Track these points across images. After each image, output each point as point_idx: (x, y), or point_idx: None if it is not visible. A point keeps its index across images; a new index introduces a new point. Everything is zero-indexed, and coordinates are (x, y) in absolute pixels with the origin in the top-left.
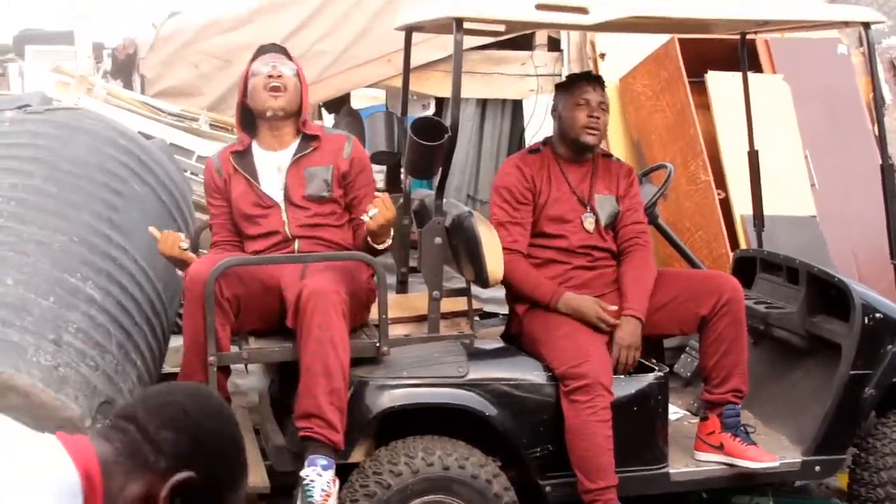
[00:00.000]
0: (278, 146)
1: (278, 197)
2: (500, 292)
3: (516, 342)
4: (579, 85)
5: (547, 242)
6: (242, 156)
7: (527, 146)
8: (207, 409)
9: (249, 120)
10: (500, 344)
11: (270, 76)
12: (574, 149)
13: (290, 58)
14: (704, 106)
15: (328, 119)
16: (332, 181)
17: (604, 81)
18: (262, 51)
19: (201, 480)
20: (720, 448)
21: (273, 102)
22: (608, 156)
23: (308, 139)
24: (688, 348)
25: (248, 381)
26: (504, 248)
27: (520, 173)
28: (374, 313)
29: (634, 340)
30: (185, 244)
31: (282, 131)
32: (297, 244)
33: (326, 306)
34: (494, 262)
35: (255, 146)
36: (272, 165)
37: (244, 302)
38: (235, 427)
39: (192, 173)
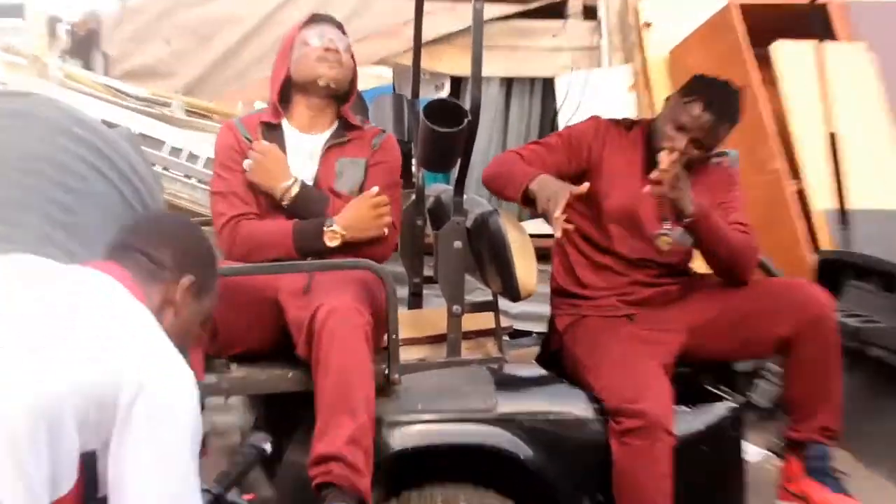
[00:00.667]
0: (313, 129)
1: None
2: (534, 306)
3: (556, 367)
4: (695, 106)
5: (608, 245)
6: (272, 130)
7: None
8: (185, 226)
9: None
10: (535, 369)
11: (328, 49)
12: (653, 149)
13: (345, 32)
14: (771, 82)
15: None
16: (366, 177)
17: (732, 112)
18: (314, 19)
19: (198, 281)
20: (803, 499)
21: (328, 71)
22: (718, 162)
23: (345, 127)
24: (766, 372)
25: (228, 418)
26: (506, 154)
27: (594, 132)
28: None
29: (683, 193)
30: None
31: (322, 112)
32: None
33: (348, 329)
34: (527, 271)
35: (286, 124)
36: (305, 149)
37: (226, 318)
38: (205, 237)
39: (163, 168)
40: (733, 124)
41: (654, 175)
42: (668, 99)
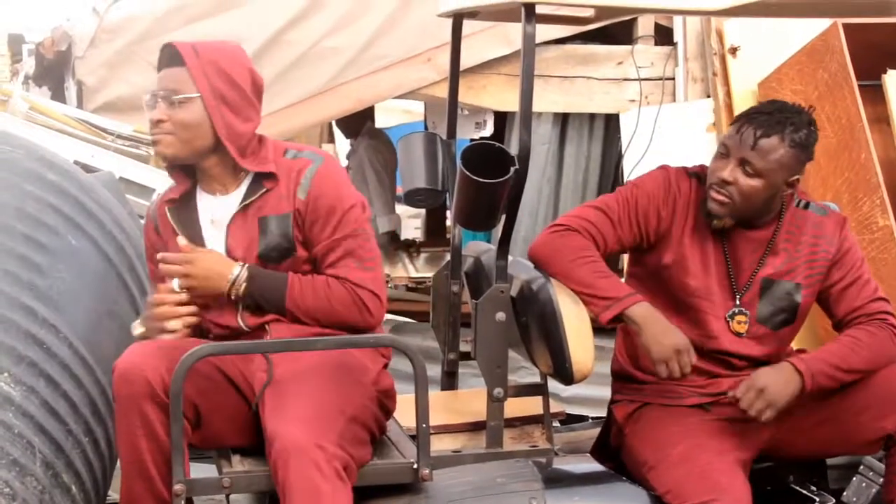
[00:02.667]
0: (221, 189)
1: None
2: (590, 389)
3: (614, 460)
4: (737, 124)
5: (675, 322)
6: (181, 205)
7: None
8: None
9: None
10: (590, 464)
11: (151, 121)
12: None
13: (182, 61)
14: (882, 120)
15: (343, 144)
16: (293, 231)
17: (790, 128)
18: (158, 61)
19: None
20: None
21: (157, 150)
22: (808, 206)
23: (260, 177)
24: (862, 468)
25: None
26: (560, 224)
27: (666, 191)
28: (410, 419)
29: (776, 392)
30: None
31: (213, 172)
32: (268, 328)
33: (309, 472)
34: (582, 348)
35: (198, 190)
36: (217, 210)
37: (207, 404)
38: None
39: None
40: (799, 145)
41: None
42: None
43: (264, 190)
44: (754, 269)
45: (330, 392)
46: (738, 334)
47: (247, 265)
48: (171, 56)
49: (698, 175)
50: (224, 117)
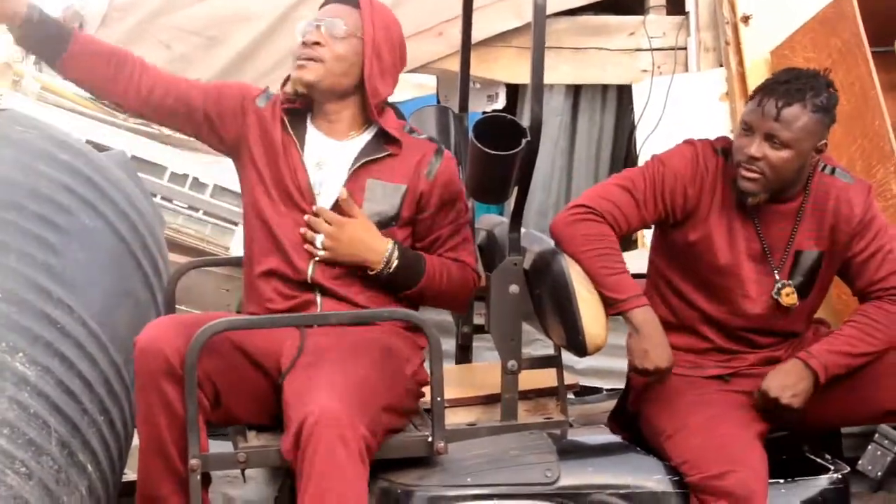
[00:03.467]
0: (337, 134)
1: (320, 199)
2: (604, 360)
3: (630, 430)
4: (756, 98)
5: (703, 308)
6: (295, 120)
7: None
8: None
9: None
10: (605, 435)
11: (305, 44)
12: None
13: (357, 3)
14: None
15: None
16: (402, 208)
17: (811, 93)
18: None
19: None
20: None
21: (297, 73)
22: (833, 172)
23: (383, 137)
24: (877, 436)
25: (246, 491)
26: (582, 206)
27: (694, 169)
28: (425, 391)
29: (790, 395)
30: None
31: (340, 116)
32: (318, 300)
33: (335, 447)
34: (595, 320)
35: (310, 126)
36: (330, 159)
37: (228, 384)
38: None
39: (163, 198)
40: (821, 109)
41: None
42: None
43: (387, 153)
44: (787, 241)
45: (372, 376)
46: (788, 308)
47: (396, 242)
48: None
49: (725, 151)
50: (373, 68)
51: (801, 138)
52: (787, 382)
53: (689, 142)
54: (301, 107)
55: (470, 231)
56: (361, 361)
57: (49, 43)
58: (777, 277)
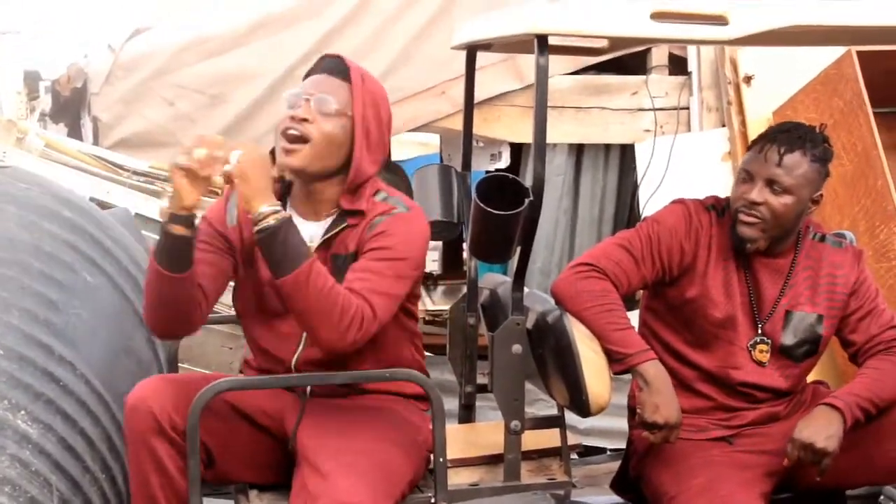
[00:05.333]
0: (314, 215)
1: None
2: (608, 420)
3: (634, 491)
4: (757, 146)
5: (701, 364)
6: None
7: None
8: None
9: None
10: (607, 497)
11: (293, 118)
12: (735, 237)
13: (348, 77)
14: None
15: None
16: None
17: (809, 144)
18: (315, 67)
19: None
20: None
21: (284, 159)
22: (823, 239)
23: (346, 214)
24: (882, 498)
25: None
26: (584, 264)
27: (687, 225)
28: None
29: (824, 438)
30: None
31: (320, 196)
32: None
33: None
34: (598, 380)
35: (289, 206)
36: (306, 236)
37: (220, 442)
38: None
39: None
40: (819, 160)
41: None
42: None
43: (345, 225)
44: (776, 298)
45: (395, 455)
46: (760, 363)
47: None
48: (335, 67)
49: (715, 207)
50: (362, 149)
51: (801, 185)
52: (818, 427)
53: (678, 201)
54: (276, 192)
55: (395, 280)
56: (379, 434)
57: (183, 253)
58: (759, 331)
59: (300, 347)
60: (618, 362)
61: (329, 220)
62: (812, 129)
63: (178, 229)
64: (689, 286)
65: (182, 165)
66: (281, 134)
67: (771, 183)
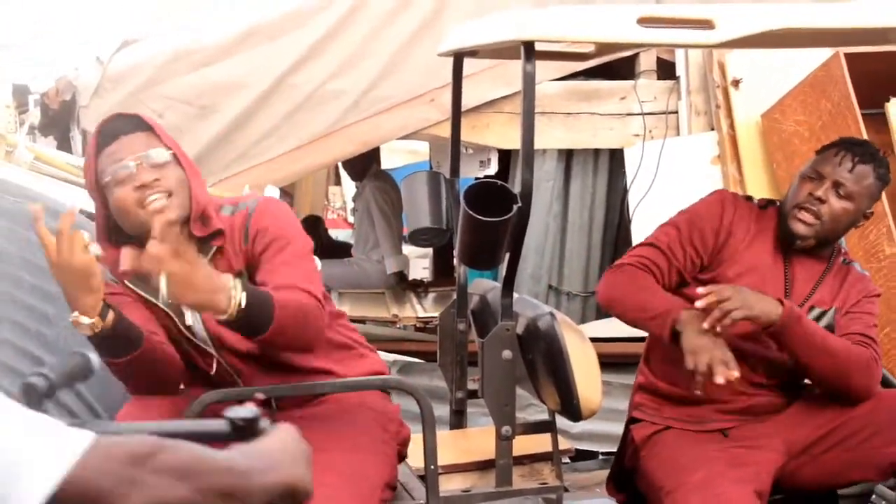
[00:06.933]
0: None
1: (206, 340)
2: (599, 425)
3: (629, 490)
4: (832, 151)
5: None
6: (141, 277)
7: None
8: None
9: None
10: (602, 499)
11: (141, 186)
12: (785, 231)
13: (146, 125)
14: (887, 147)
15: (349, 187)
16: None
17: (877, 162)
18: (103, 137)
19: None
20: None
21: (164, 217)
22: (849, 263)
23: (207, 239)
24: (874, 497)
25: None
26: (618, 264)
27: (720, 210)
28: (418, 459)
29: (751, 296)
30: (94, 248)
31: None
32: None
33: None
34: (589, 384)
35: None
36: None
37: None
38: None
39: None
40: (881, 179)
41: (700, 304)
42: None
43: (214, 249)
44: (807, 295)
45: (362, 461)
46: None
47: (233, 277)
48: (127, 124)
49: (760, 203)
50: (194, 176)
51: (862, 195)
52: (755, 292)
53: (718, 190)
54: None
55: (294, 255)
56: (350, 444)
57: (127, 333)
58: None
59: (215, 357)
60: (662, 325)
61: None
62: (879, 150)
63: (107, 322)
64: (730, 266)
65: (97, 255)
66: (139, 206)
67: (838, 185)
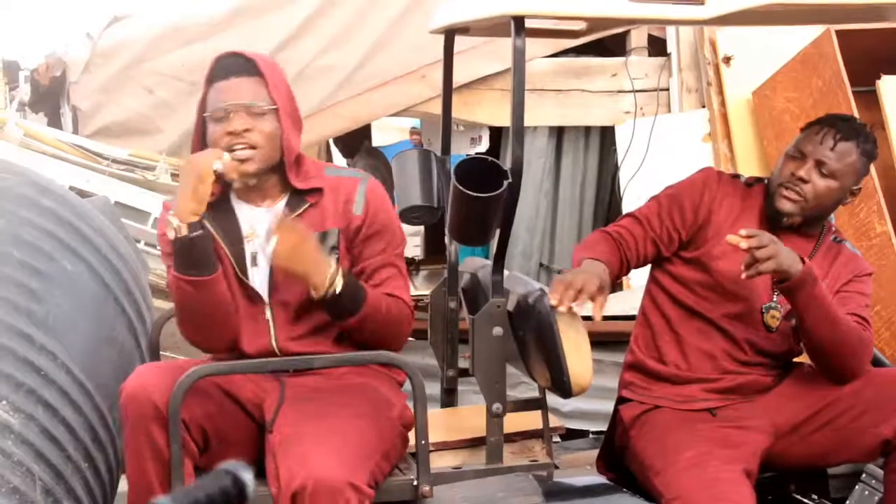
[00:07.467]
0: (262, 200)
1: (263, 289)
2: (590, 403)
3: (619, 469)
4: (814, 129)
5: (707, 315)
6: (216, 208)
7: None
8: None
9: None
10: (591, 477)
11: (231, 133)
12: (772, 209)
13: (259, 71)
14: (878, 125)
15: (340, 164)
16: (340, 245)
17: (861, 137)
18: (218, 71)
19: None
20: None
21: (241, 168)
22: (840, 241)
23: (300, 193)
24: (864, 476)
25: None
26: (595, 233)
27: (702, 187)
28: (410, 436)
29: (783, 250)
30: (225, 158)
31: (265, 184)
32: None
33: None
34: (580, 361)
35: (233, 199)
36: (257, 222)
37: (216, 428)
38: None
39: (147, 243)
40: (867, 154)
41: (731, 239)
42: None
43: (307, 205)
44: None
45: (366, 428)
46: (769, 329)
47: (339, 263)
48: (244, 66)
49: (747, 180)
50: (289, 129)
51: (846, 173)
52: (785, 247)
53: (705, 168)
54: (220, 192)
55: (402, 264)
56: (353, 412)
57: (209, 251)
58: (773, 298)
59: (272, 329)
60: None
61: (282, 203)
62: (865, 125)
63: (198, 231)
64: (714, 243)
65: (218, 170)
66: (226, 150)
67: (820, 164)
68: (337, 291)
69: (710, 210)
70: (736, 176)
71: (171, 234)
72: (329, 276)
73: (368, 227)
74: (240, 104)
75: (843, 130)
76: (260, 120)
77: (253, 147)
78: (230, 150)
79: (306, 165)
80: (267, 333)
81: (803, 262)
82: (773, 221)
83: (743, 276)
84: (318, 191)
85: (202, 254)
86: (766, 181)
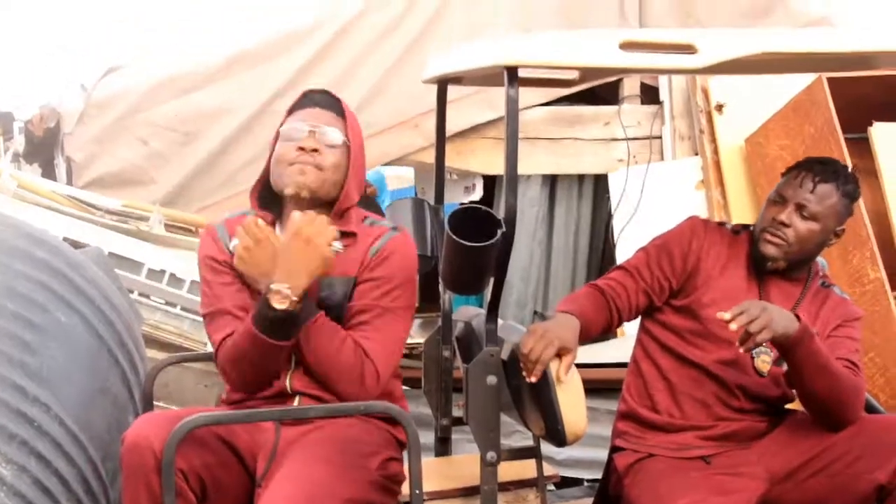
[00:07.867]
0: None
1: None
2: (584, 451)
3: None
4: (794, 173)
5: (699, 362)
6: None
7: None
8: None
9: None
10: None
11: (303, 148)
12: (756, 254)
13: (344, 115)
14: (870, 172)
15: None
16: (352, 295)
17: (841, 179)
18: (302, 100)
19: None
20: None
21: (297, 177)
22: (829, 286)
23: (341, 234)
24: None
25: None
26: (584, 288)
27: (690, 235)
28: (404, 486)
29: (776, 313)
30: (337, 245)
31: None
32: (297, 402)
33: None
34: (574, 409)
35: (277, 230)
36: None
37: (213, 478)
38: None
39: (141, 294)
40: (848, 196)
41: (721, 316)
42: None
43: (342, 246)
44: None
45: (324, 473)
46: (760, 374)
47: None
48: (327, 102)
49: (728, 225)
50: (352, 177)
51: (828, 215)
52: (776, 307)
53: (690, 217)
54: (268, 217)
55: (396, 320)
56: (319, 459)
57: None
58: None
59: (290, 368)
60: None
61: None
62: (845, 166)
63: (296, 307)
64: (704, 292)
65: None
66: (288, 161)
67: (800, 207)
68: (276, 307)
69: (699, 258)
70: (722, 224)
71: (279, 305)
72: (275, 289)
73: (370, 270)
74: (317, 126)
75: (822, 173)
76: (331, 149)
77: (318, 168)
78: (292, 163)
79: (350, 214)
80: (285, 373)
81: (798, 318)
82: (759, 267)
83: (741, 350)
84: (351, 235)
85: (298, 326)
86: (751, 228)
